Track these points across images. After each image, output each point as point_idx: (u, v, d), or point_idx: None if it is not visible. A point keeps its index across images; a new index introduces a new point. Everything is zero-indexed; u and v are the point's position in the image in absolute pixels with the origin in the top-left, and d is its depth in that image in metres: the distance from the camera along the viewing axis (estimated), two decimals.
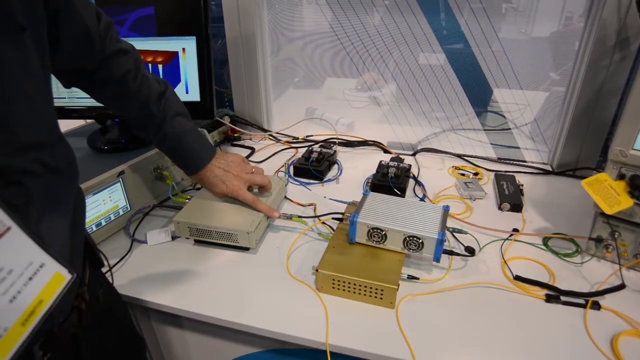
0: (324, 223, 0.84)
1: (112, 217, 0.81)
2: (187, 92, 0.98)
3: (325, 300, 0.66)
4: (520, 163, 1.13)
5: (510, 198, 0.91)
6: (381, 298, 0.64)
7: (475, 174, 1.06)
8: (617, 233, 0.72)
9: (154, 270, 0.73)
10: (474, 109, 1.17)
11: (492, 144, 1.19)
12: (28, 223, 0.37)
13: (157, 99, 0.72)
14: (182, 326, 0.75)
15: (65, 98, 0.94)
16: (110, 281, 0.69)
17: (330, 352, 0.59)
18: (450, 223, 0.84)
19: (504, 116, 1.16)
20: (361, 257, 0.70)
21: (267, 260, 0.76)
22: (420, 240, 0.68)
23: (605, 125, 1.01)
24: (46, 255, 0.37)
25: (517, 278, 0.69)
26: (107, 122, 1.03)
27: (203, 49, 0.95)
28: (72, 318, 0.47)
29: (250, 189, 0.83)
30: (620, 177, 0.69)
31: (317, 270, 0.66)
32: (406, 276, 0.68)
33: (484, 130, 1.18)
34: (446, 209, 0.74)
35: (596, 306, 0.64)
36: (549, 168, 1.11)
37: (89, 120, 1.11)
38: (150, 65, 0.96)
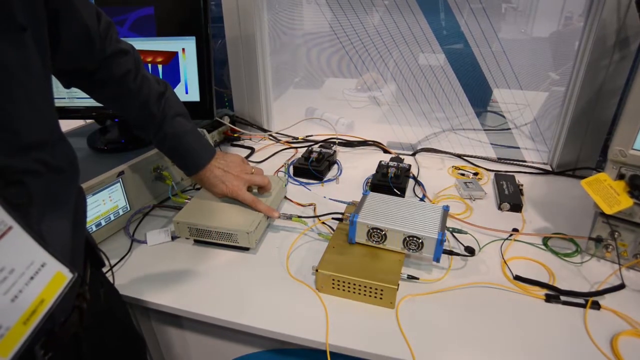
0: (323, 223, 0.84)
1: (112, 217, 0.81)
2: (186, 92, 0.98)
3: (325, 300, 0.66)
4: (520, 163, 1.13)
5: (510, 198, 0.91)
6: (381, 298, 0.64)
7: (475, 174, 1.06)
8: (616, 233, 0.72)
9: (154, 271, 0.73)
10: (474, 109, 1.17)
11: (492, 144, 1.19)
12: (29, 222, 0.37)
13: (157, 99, 0.72)
14: (182, 326, 0.75)
15: (65, 98, 0.94)
16: (111, 281, 0.69)
17: (330, 352, 0.59)
18: (450, 223, 0.84)
19: (503, 116, 1.16)
20: (361, 257, 0.70)
21: (267, 260, 0.76)
22: (420, 240, 0.68)
23: (605, 125, 1.01)
24: (47, 255, 0.37)
25: (517, 278, 0.69)
26: (106, 122, 1.03)
27: (203, 49, 0.95)
28: (73, 317, 0.48)
29: (249, 189, 0.83)
30: (620, 177, 0.70)
31: (317, 270, 0.66)
32: (406, 276, 0.68)
33: (484, 130, 1.18)
34: (446, 209, 0.74)
35: (596, 306, 0.64)
36: (548, 168, 1.11)
37: (88, 121, 1.11)
38: (150, 65, 0.96)
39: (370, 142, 1.23)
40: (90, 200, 0.76)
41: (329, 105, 1.31)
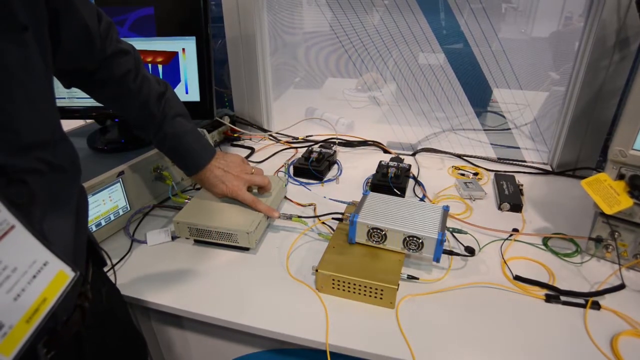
0: (323, 223, 0.84)
1: (112, 217, 0.81)
2: (187, 92, 0.98)
3: (325, 300, 0.66)
4: (520, 163, 1.13)
5: (510, 198, 0.91)
6: (381, 298, 0.64)
7: (475, 174, 1.06)
8: (616, 233, 0.72)
9: (154, 271, 0.73)
10: (474, 109, 1.17)
11: (492, 144, 1.19)
12: (31, 222, 0.37)
13: (157, 99, 0.72)
14: (182, 326, 0.75)
15: (65, 98, 0.94)
16: (114, 280, 0.69)
17: (330, 352, 0.59)
18: (450, 223, 0.84)
19: (503, 116, 1.16)
20: (361, 257, 0.70)
21: (267, 260, 0.76)
22: (420, 240, 0.68)
23: (605, 125, 1.01)
24: (50, 254, 0.38)
25: (517, 278, 0.69)
26: (106, 122, 1.03)
27: (203, 49, 0.95)
28: (75, 316, 0.48)
29: (249, 189, 0.83)
30: (620, 177, 0.70)
31: (317, 270, 0.66)
32: (406, 276, 0.68)
33: (484, 130, 1.18)
34: (446, 209, 0.74)
35: (596, 306, 0.64)
36: (548, 168, 1.11)
37: (88, 121, 1.11)
38: (150, 65, 0.96)
39: (370, 142, 1.23)
40: (91, 200, 0.76)
41: (329, 105, 1.31)
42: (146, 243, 0.80)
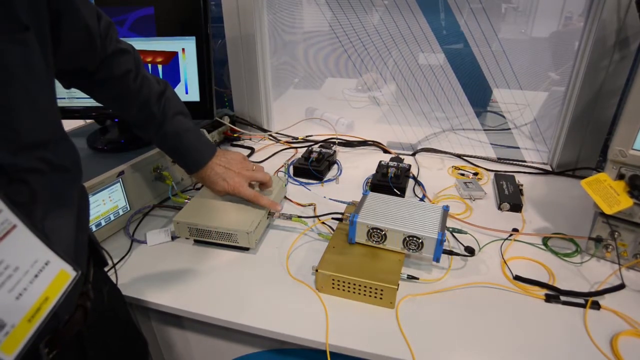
0: (323, 223, 0.84)
1: (112, 218, 0.81)
2: (186, 92, 0.97)
3: (325, 300, 0.66)
4: (520, 163, 1.13)
5: (510, 198, 0.91)
6: (381, 298, 0.64)
7: (475, 174, 1.06)
8: (616, 233, 0.72)
9: (154, 271, 0.73)
10: (474, 109, 1.17)
11: (491, 144, 1.19)
12: (33, 221, 0.37)
13: (157, 98, 0.72)
14: (182, 326, 0.75)
15: (65, 98, 0.94)
16: (115, 279, 0.69)
17: (330, 352, 0.59)
18: (450, 223, 0.84)
19: (503, 116, 1.16)
20: (361, 257, 0.70)
21: (267, 260, 0.76)
22: (420, 240, 0.68)
23: (605, 125, 1.01)
24: (51, 253, 0.38)
25: (517, 278, 0.69)
26: (106, 122, 1.03)
27: (203, 49, 0.95)
28: (77, 316, 0.48)
29: (251, 186, 0.83)
30: (620, 177, 0.70)
31: (317, 270, 0.66)
32: (406, 276, 0.68)
33: (484, 130, 1.18)
34: (446, 209, 0.74)
35: (596, 306, 0.64)
36: (548, 168, 1.11)
37: (88, 121, 1.11)
38: (150, 65, 0.96)
39: (370, 142, 1.23)
40: (91, 200, 0.75)
41: (329, 105, 1.31)
42: (146, 243, 0.80)
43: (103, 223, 0.79)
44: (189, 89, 0.97)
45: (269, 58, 1.26)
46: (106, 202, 0.79)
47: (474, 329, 0.61)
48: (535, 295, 0.67)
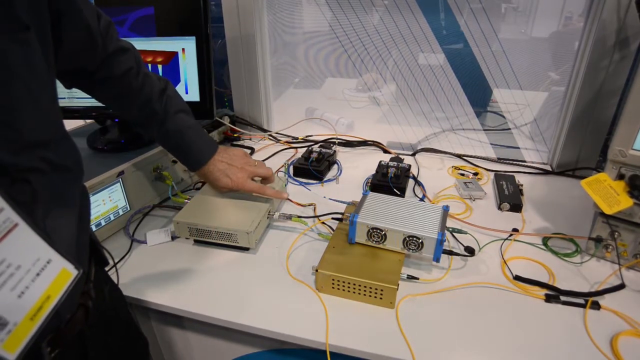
0: (323, 223, 0.84)
1: (112, 217, 0.81)
2: (186, 92, 0.97)
3: (325, 300, 0.66)
4: (520, 163, 1.13)
5: (510, 198, 0.91)
6: (381, 298, 0.64)
7: (475, 174, 1.06)
8: (616, 233, 0.72)
9: (154, 271, 0.73)
10: (474, 109, 1.17)
11: (491, 144, 1.19)
12: (34, 220, 0.37)
13: (159, 96, 0.72)
14: (182, 326, 0.75)
15: (65, 98, 0.94)
16: (116, 279, 0.69)
17: (330, 352, 0.59)
18: (450, 223, 0.84)
19: (503, 116, 1.16)
20: (361, 257, 0.70)
21: (267, 260, 0.76)
22: (420, 240, 0.68)
23: (605, 125, 1.01)
24: (53, 252, 0.38)
25: (517, 278, 0.69)
26: (106, 122, 1.03)
27: (203, 49, 0.95)
28: (78, 315, 0.48)
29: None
30: (620, 177, 0.70)
31: (317, 270, 0.66)
32: (406, 276, 0.68)
33: (484, 130, 1.18)
34: (446, 209, 0.74)
35: (596, 306, 0.64)
36: (548, 168, 1.11)
37: (88, 121, 1.11)
38: (150, 65, 0.96)
39: (370, 142, 1.23)
40: (91, 200, 0.75)
41: (329, 105, 1.31)
42: (146, 243, 0.80)
43: (103, 223, 0.79)
44: (189, 89, 0.97)
45: (269, 58, 1.26)
46: (106, 202, 0.79)
47: (474, 329, 0.61)
48: (535, 295, 0.67)
